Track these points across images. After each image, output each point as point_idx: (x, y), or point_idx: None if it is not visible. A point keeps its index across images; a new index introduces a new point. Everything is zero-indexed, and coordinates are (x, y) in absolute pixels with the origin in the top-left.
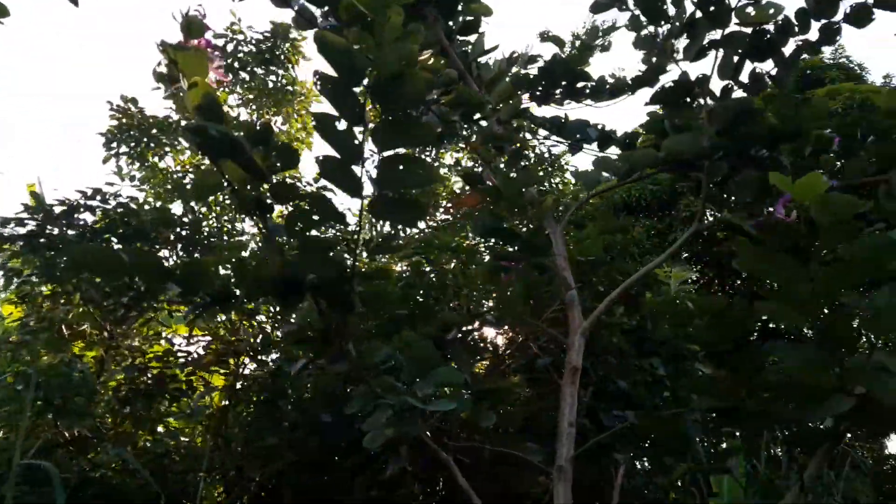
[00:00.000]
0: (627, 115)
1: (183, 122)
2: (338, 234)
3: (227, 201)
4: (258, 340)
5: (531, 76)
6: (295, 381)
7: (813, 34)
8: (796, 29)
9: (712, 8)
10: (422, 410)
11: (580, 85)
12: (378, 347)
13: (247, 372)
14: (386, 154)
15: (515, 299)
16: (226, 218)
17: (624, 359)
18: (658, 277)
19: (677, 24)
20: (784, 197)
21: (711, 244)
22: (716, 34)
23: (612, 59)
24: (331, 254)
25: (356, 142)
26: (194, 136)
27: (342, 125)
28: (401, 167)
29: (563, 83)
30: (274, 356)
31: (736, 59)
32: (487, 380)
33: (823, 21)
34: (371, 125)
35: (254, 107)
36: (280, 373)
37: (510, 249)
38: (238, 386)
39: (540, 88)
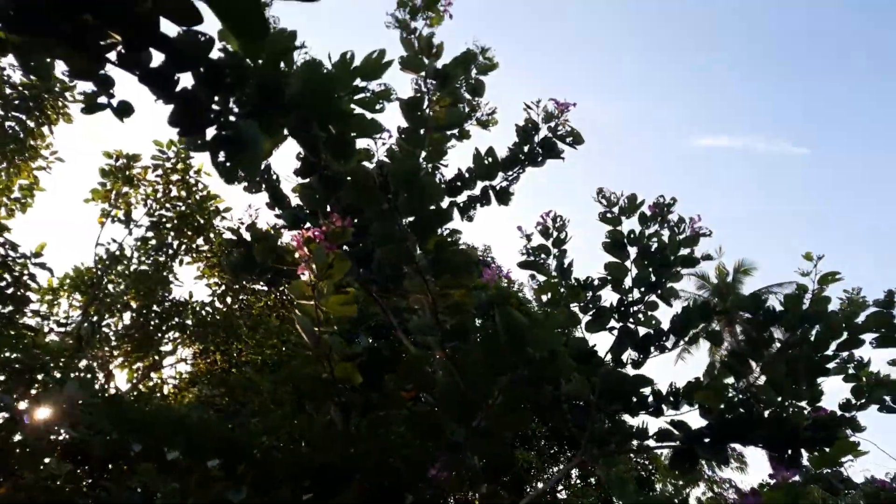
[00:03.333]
0: None
1: None
2: None
3: None
4: None
5: None
6: None
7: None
8: (663, 339)
9: (622, 308)
10: None
11: None
12: None
13: None
14: None
15: None
16: None
17: None
18: None
19: (589, 305)
20: (757, 498)
21: None
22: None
23: None
24: None
25: None
26: None
27: None
28: None
29: None
30: None
31: (622, 345)
32: None
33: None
34: None
35: None
36: None
37: None
38: None
39: None
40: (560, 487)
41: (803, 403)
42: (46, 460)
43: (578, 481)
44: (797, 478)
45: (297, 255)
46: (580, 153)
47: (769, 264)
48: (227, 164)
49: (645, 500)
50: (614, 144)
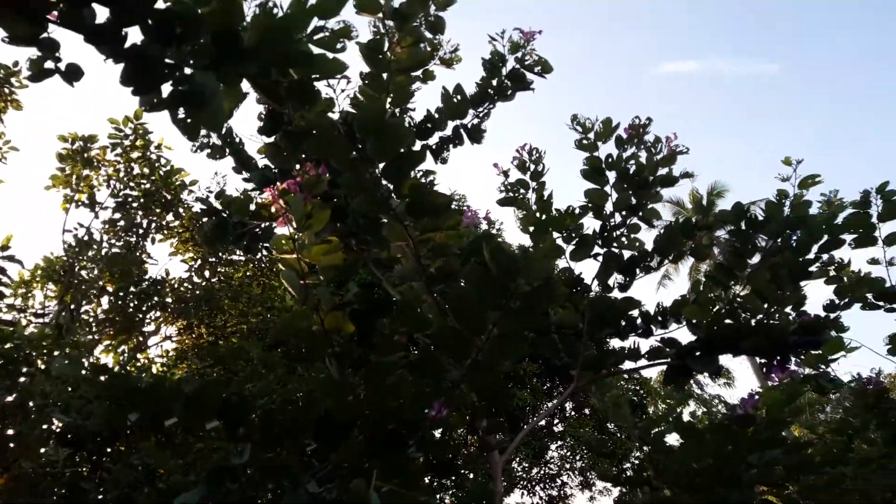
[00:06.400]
0: None
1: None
2: None
3: None
4: None
5: None
6: None
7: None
8: (648, 260)
9: (605, 234)
10: None
11: None
12: None
13: None
14: None
15: None
16: None
17: None
18: None
19: (572, 235)
20: (753, 399)
21: None
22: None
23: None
24: None
25: None
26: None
27: None
28: None
29: None
30: None
31: (607, 270)
32: None
33: (667, 260)
34: None
35: None
36: None
37: None
38: None
39: None
40: (556, 421)
41: (788, 309)
42: (42, 450)
43: (573, 413)
44: (792, 377)
45: (273, 209)
46: (547, 90)
47: (743, 186)
48: (188, 120)
49: (641, 421)
50: (579, 77)
